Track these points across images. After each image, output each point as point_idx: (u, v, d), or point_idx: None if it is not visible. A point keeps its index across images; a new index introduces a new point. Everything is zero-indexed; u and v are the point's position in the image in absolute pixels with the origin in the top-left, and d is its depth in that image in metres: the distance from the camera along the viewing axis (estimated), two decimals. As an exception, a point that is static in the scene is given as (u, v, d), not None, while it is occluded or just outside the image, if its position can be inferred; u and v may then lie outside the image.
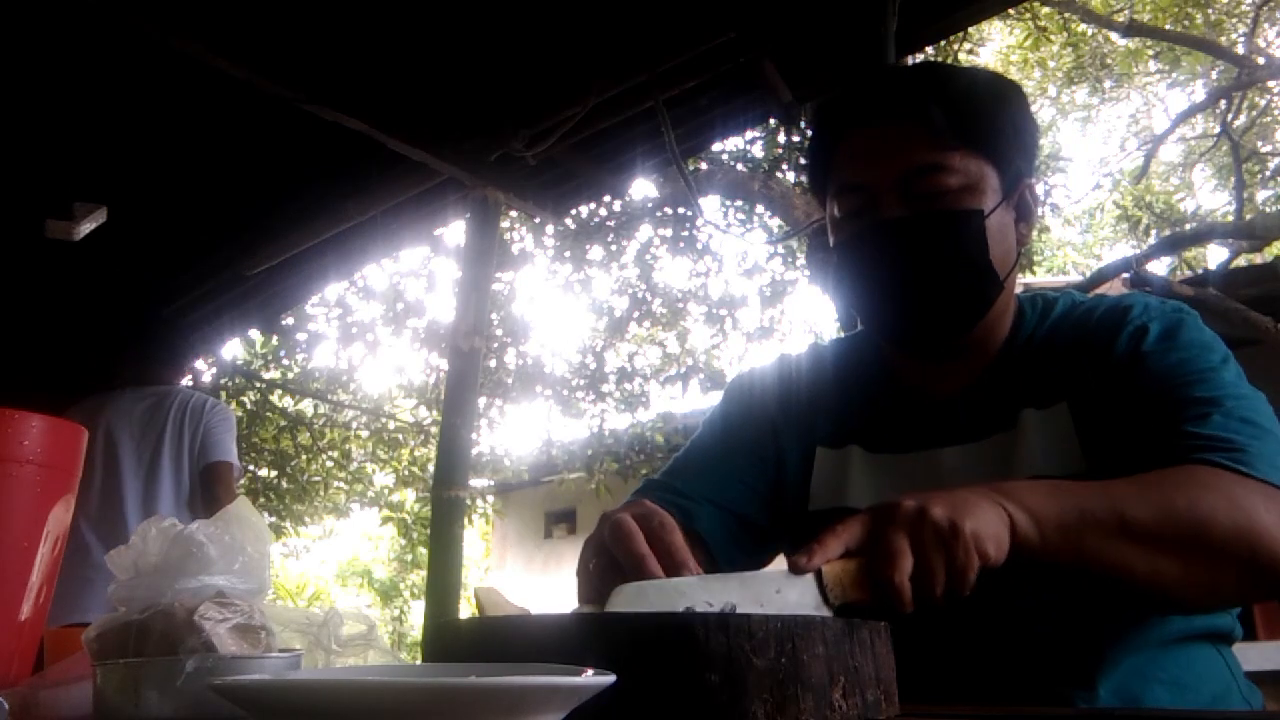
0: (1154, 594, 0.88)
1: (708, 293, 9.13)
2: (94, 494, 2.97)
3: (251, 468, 8.56)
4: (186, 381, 3.81)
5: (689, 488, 1.12)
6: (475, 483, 9.56)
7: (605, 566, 0.81)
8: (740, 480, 1.15)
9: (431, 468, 4.83)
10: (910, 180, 1.01)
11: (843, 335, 1.29)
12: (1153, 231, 11.11)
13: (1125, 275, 6.01)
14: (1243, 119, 10.68)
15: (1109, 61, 10.80)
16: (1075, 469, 0.98)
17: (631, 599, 0.75)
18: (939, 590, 0.77)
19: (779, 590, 0.76)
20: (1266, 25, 10.66)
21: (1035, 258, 9.39)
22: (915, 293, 1.04)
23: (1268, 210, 10.20)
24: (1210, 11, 10.08)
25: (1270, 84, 10.39)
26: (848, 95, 1.12)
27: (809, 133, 1.20)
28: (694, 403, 9.33)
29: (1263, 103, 10.92)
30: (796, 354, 1.27)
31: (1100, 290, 5.76)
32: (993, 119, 1.04)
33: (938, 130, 1.01)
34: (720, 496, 1.13)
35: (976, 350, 1.10)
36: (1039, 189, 1.14)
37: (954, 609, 0.80)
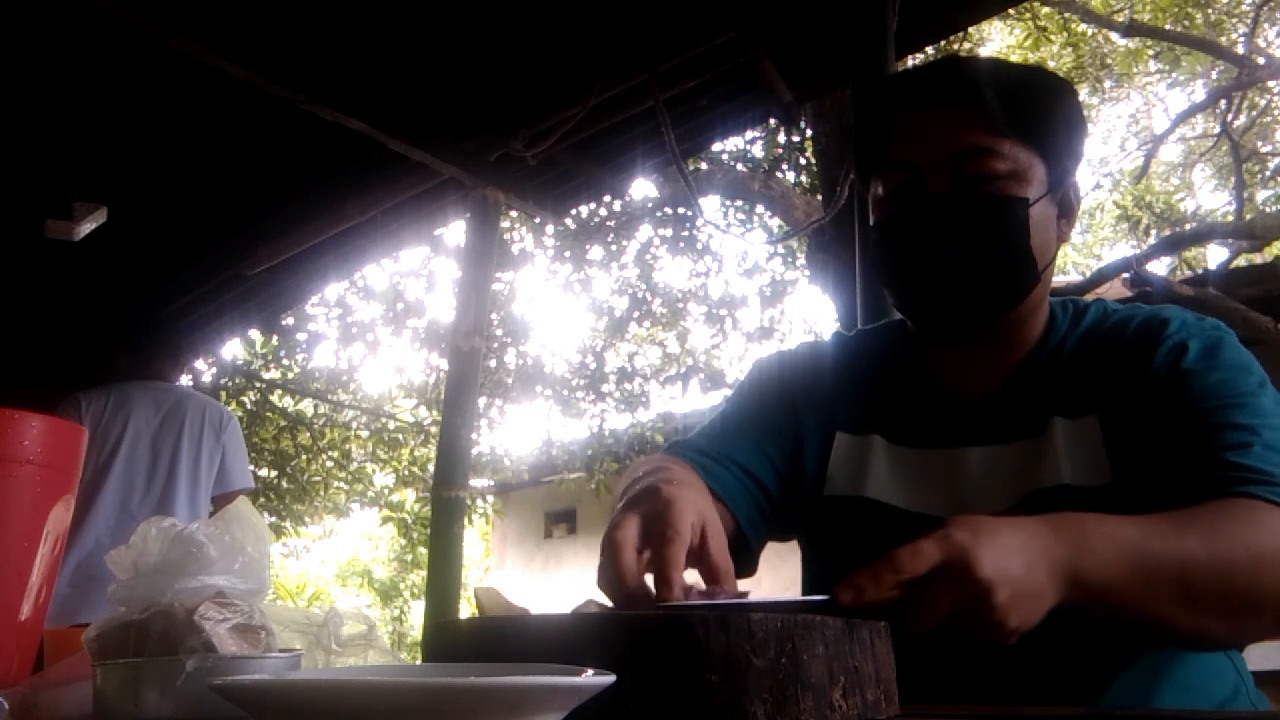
0: (1188, 642, 0.91)
1: (708, 293, 9.14)
2: (107, 494, 2.96)
3: (251, 468, 8.54)
4: (185, 380, 3.81)
5: (713, 448, 1.12)
6: (475, 483, 9.55)
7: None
8: (760, 450, 1.14)
9: (431, 468, 4.83)
10: (959, 162, 1.02)
11: (869, 326, 1.29)
12: (1153, 231, 11.11)
13: (1125, 275, 6.01)
14: (1243, 119, 10.68)
15: (1109, 61, 10.79)
16: (1101, 481, 0.98)
17: None
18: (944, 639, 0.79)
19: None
20: (1266, 25, 10.66)
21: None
22: (952, 272, 1.04)
23: (1268, 210, 10.20)
24: (1210, 11, 10.07)
25: (1270, 84, 10.38)
26: (905, 78, 1.12)
27: (856, 113, 1.20)
28: (694, 403, 9.34)
29: (1263, 103, 10.91)
30: (823, 341, 1.27)
31: (1100, 290, 5.76)
32: (1046, 113, 1.04)
33: (991, 117, 1.02)
34: (742, 459, 1.12)
35: (1006, 346, 1.09)
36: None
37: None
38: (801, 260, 8.33)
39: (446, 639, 0.77)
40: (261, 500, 8.54)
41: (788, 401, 1.19)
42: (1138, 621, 0.86)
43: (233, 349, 7.59)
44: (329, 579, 17.22)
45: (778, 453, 1.15)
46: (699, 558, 0.85)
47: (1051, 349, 1.09)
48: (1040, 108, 1.04)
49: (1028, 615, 0.79)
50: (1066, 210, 1.09)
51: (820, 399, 1.18)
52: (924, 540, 0.77)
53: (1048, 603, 0.80)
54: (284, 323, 7.76)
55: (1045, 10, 8.92)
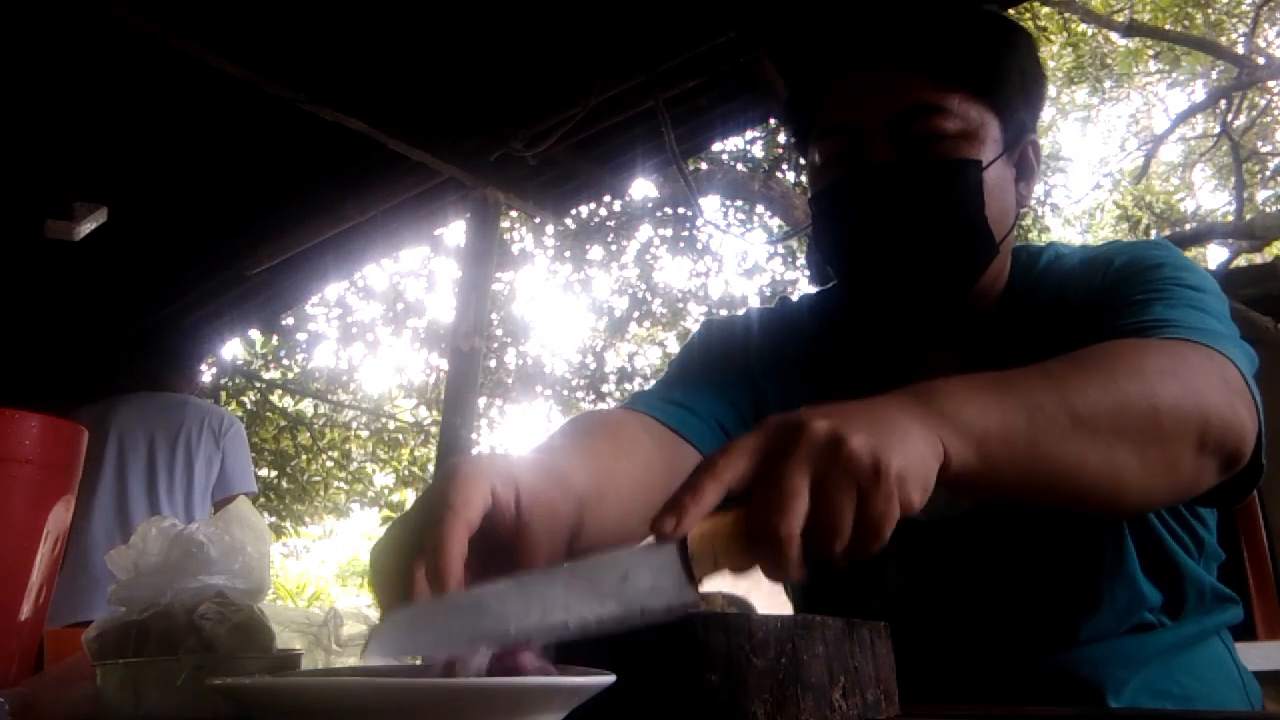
0: (1112, 493, 0.73)
1: (708, 293, 9.14)
2: (102, 496, 2.97)
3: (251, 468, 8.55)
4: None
5: (673, 395, 0.99)
6: (475, 483, 9.53)
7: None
8: (727, 403, 1.02)
9: (431, 468, 4.83)
10: (902, 122, 0.91)
11: (828, 287, 1.14)
12: (1153, 231, 11.12)
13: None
14: (1243, 119, 10.69)
15: (1109, 61, 10.80)
16: None
17: (398, 636, 0.53)
18: (840, 549, 0.56)
19: (625, 576, 0.55)
20: (1266, 25, 10.68)
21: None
22: (899, 249, 0.92)
23: (1268, 210, 10.21)
24: (1210, 11, 10.09)
25: (1270, 84, 10.40)
26: (840, 32, 1.01)
27: (790, 74, 1.11)
28: (694, 403, 9.31)
29: (1263, 103, 10.93)
30: (772, 308, 1.15)
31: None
32: (998, 62, 0.94)
33: (937, 70, 0.91)
34: (707, 410, 1.00)
35: (963, 321, 1.00)
36: (1042, 176, 1.06)
37: (910, 603, 0.72)
38: (801, 260, 8.33)
39: (446, 639, 0.77)
40: (261, 500, 8.54)
41: (745, 366, 1.07)
42: (1046, 476, 0.68)
43: (233, 349, 7.60)
44: (329, 579, 17.22)
45: (744, 405, 1.03)
46: (514, 533, 0.60)
47: (1010, 301, 1.00)
48: (992, 58, 0.94)
49: (920, 471, 0.59)
50: (1026, 171, 0.99)
51: (778, 373, 1.06)
52: (731, 441, 0.60)
53: (936, 458, 0.61)
54: (284, 323, 7.77)
55: (1045, 10, 8.93)
